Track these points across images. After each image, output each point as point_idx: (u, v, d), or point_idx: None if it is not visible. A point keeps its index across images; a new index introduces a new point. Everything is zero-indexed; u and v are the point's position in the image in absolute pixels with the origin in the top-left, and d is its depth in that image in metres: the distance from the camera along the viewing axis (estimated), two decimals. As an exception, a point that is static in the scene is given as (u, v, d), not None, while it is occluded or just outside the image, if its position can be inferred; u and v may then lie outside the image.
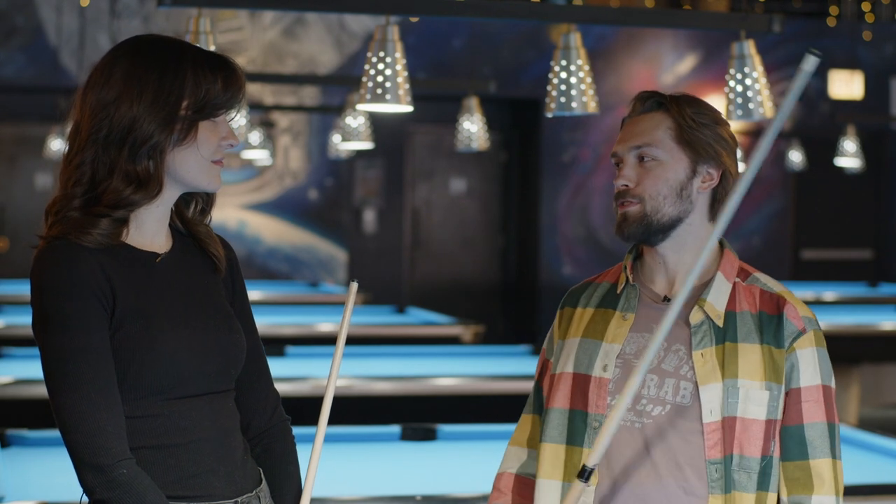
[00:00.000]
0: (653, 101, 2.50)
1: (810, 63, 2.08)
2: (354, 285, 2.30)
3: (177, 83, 2.24)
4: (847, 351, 7.84)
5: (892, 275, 12.53)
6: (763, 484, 2.40)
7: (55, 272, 2.18)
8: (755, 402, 2.39)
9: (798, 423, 2.42)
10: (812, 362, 2.43)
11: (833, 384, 2.47)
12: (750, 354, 2.41)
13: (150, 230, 2.29)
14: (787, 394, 2.42)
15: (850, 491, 3.66)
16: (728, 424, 2.38)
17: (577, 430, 2.46)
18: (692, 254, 2.47)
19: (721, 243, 2.52)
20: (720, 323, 2.42)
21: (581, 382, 2.47)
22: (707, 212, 2.49)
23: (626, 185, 2.46)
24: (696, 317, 2.43)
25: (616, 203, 2.49)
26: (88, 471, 2.15)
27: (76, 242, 2.21)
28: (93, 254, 2.21)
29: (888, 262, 12.77)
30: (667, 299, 2.47)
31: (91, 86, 2.26)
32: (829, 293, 10.33)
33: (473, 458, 4.18)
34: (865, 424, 5.39)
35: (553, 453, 2.49)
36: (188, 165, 2.26)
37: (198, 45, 2.37)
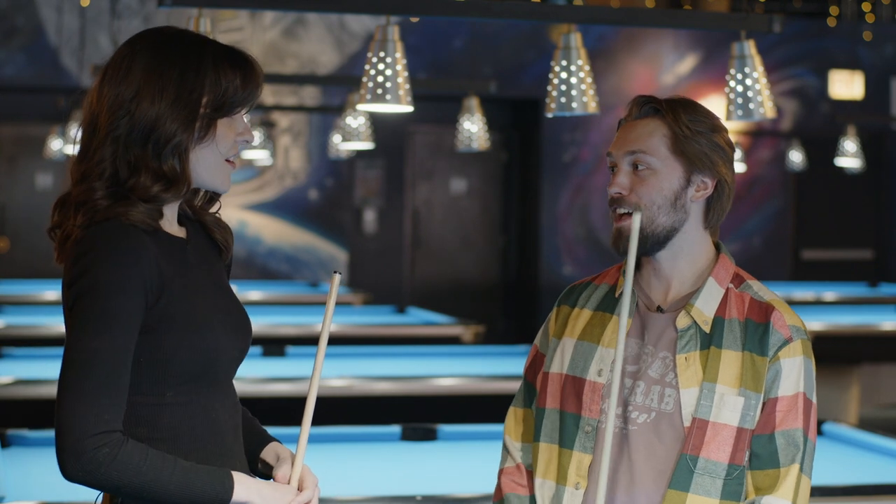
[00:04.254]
0: (649, 107, 2.48)
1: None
2: (337, 276, 2.29)
3: (198, 81, 2.18)
4: (847, 351, 7.82)
5: (892, 275, 12.53)
6: (734, 494, 2.36)
7: (111, 259, 2.11)
8: (729, 407, 2.36)
9: (771, 430, 2.37)
10: (795, 372, 2.38)
11: (814, 399, 2.41)
12: (731, 361, 2.38)
13: (169, 217, 2.26)
14: (764, 403, 2.38)
15: (851, 491, 3.66)
16: (698, 426, 2.36)
17: (568, 432, 2.45)
18: (687, 262, 2.46)
19: (718, 247, 2.50)
20: (707, 329, 2.40)
21: (575, 385, 2.46)
22: (702, 220, 2.47)
23: (620, 193, 2.46)
24: (682, 321, 2.42)
25: (611, 210, 2.49)
26: (65, 456, 2.05)
27: (129, 223, 2.14)
28: (144, 237, 2.15)
29: (888, 262, 12.77)
30: (660, 309, 2.46)
31: (108, 79, 2.20)
32: (829, 293, 10.33)
33: (473, 458, 4.18)
34: (865, 424, 5.38)
35: (547, 453, 2.48)
36: (206, 163, 2.23)
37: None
